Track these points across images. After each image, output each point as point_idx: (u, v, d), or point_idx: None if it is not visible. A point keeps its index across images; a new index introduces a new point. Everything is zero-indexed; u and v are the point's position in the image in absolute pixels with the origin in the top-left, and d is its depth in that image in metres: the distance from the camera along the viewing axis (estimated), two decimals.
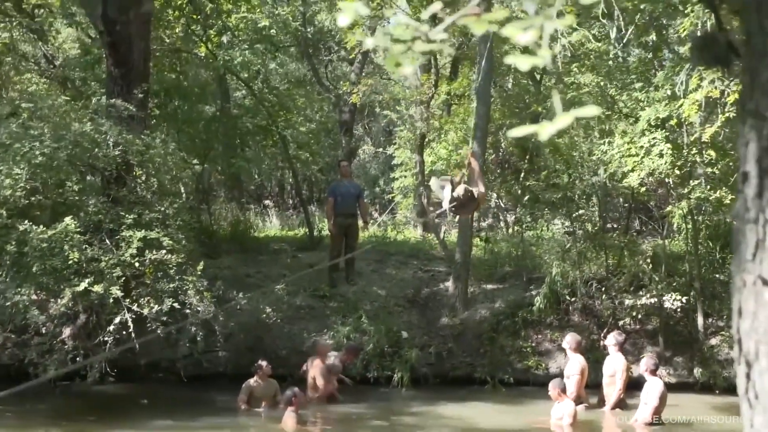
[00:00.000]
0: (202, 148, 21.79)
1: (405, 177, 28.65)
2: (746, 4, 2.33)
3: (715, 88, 15.18)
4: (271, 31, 22.55)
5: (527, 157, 22.05)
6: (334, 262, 18.79)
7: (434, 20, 2.96)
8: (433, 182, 14.89)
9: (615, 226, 22.48)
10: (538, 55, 2.35)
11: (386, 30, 2.66)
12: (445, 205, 14.28)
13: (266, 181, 37.71)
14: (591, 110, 2.34)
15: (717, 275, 18.35)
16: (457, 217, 17.56)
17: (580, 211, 19.65)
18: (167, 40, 22.44)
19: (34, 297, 15.33)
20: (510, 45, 21.97)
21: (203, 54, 22.40)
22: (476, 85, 19.57)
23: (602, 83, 18.43)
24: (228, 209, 26.33)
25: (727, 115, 15.97)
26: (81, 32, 24.42)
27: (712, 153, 16.22)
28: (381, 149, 37.74)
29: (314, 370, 15.85)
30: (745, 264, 2.16)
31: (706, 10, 14.63)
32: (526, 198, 21.28)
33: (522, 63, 2.39)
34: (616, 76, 18.83)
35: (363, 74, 29.86)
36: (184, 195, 20.78)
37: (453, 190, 14.03)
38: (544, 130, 2.18)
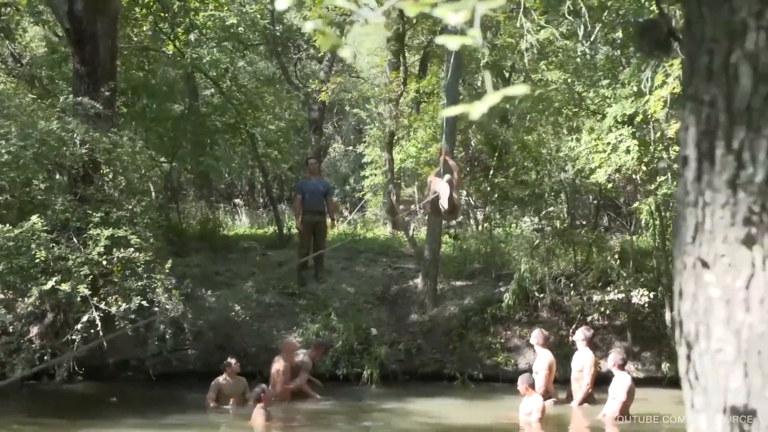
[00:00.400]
0: (171, 146, 21.74)
1: (375, 175, 28.67)
2: None
3: (680, 84, 15.26)
4: (239, 28, 22.51)
5: (496, 154, 22.09)
6: (304, 260, 18.80)
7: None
8: (437, 181, 14.85)
9: (583, 222, 22.57)
10: (469, 35, 2.36)
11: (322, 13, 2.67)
12: (444, 203, 14.33)
13: (236, 180, 37.66)
14: (520, 89, 2.36)
15: None
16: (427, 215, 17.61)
17: (549, 208, 19.73)
18: (135, 39, 22.37)
19: (0, 296, 15.30)
20: (487, 46, 22.07)
21: (171, 52, 22.33)
22: (445, 82, 19.61)
23: (570, 80, 18.50)
24: (197, 208, 26.28)
25: None
26: (48, 30, 24.28)
27: (678, 148, 16.33)
28: (351, 147, 37.74)
29: (275, 366, 15.84)
30: (685, 246, 2.19)
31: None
32: (495, 195, 21.34)
33: (451, 42, 2.40)
34: (583, 73, 18.92)
35: (332, 72, 29.83)
36: (153, 193, 20.72)
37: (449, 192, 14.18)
38: (475, 109, 2.19)
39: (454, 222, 18.05)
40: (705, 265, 2.13)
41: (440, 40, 2.56)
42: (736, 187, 2.08)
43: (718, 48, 2.09)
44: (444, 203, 14.31)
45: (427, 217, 19.52)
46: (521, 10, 16.69)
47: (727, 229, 2.10)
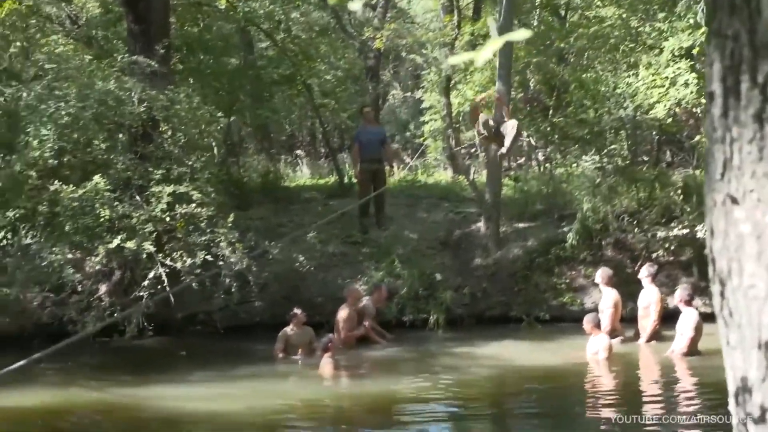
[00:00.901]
0: (228, 100, 21.79)
1: (435, 120, 28.62)
2: None
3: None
4: None
5: (554, 93, 21.92)
6: (364, 201, 18.83)
7: None
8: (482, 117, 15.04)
9: (645, 159, 22.33)
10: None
11: None
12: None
13: (297, 131, 37.75)
14: (521, 34, 2.33)
15: None
16: (485, 153, 17.59)
17: (610, 146, 19.56)
18: None
19: (69, 256, 15.53)
20: None
21: (224, 6, 22.33)
22: (499, 23, 19.45)
23: (625, 15, 18.25)
24: (258, 160, 26.40)
25: None
26: None
27: None
28: (409, 93, 37.64)
29: (340, 314, 15.98)
30: (715, 183, 2.18)
31: None
32: (555, 135, 21.21)
33: (478, 59, 2.38)
34: (638, 8, 18.65)
35: (386, 19, 29.68)
36: (214, 148, 20.82)
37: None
38: (480, 56, 2.17)
39: (504, 151, 17.88)
40: (734, 201, 2.11)
41: (453, 60, 2.54)
42: (763, 122, 2.06)
43: None
44: (507, 144, 14.43)
45: (486, 160, 19.46)
46: None
47: (755, 164, 2.08)
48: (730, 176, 2.11)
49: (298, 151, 34.87)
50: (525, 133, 23.53)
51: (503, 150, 16.18)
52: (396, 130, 34.67)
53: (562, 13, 23.51)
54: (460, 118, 26.51)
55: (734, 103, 2.08)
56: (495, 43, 2.15)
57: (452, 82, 24.46)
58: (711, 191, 2.19)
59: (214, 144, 21.43)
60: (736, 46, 2.07)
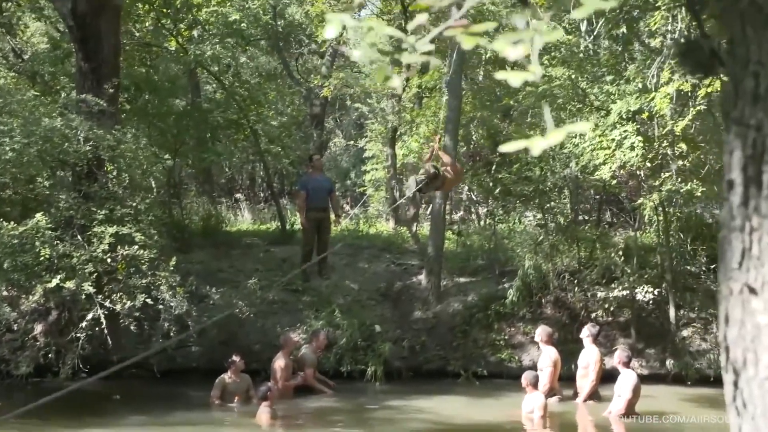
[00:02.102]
0: (173, 142, 21.67)
1: (376, 170, 28.68)
2: (727, 10, 2.33)
3: (686, 81, 15.24)
4: (242, 24, 22.43)
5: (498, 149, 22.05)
6: (307, 257, 18.84)
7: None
8: (411, 180, 15.06)
9: (586, 218, 22.54)
10: (529, 70, 2.34)
11: (372, 41, 2.66)
12: (410, 191, 14.45)
13: (237, 175, 37.65)
14: (582, 126, 2.33)
15: (688, 267, 18.48)
16: (429, 207, 17.61)
17: (552, 204, 19.71)
18: (137, 34, 22.33)
19: (5, 293, 15.28)
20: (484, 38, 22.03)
21: (174, 48, 22.28)
22: (447, 78, 19.59)
23: (573, 76, 18.42)
24: (199, 203, 26.26)
25: (698, 108, 16.07)
26: (50, 26, 24.22)
27: (683, 146, 16.29)
28: (352, 142, 37.71)
29: (276, 362, 15.87)
30: (732, 272, 2.16)
31: (677, 7, 14.71)
32: (497, 190, 21.33)
33: (514, 79, 2.38)
34: (587, 69, 18.83)
35: (334, 67, 29.79)
36: (154, 190, 20.66)
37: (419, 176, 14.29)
38: (536, 145, 2.17)
39: (455, 216, 17.97)
40: (752, 291, 2.09)
41: (500, 75, 2.54)
42: None
43: (764, 71, 2.06)
44: (410, 190, 14.51)
45: (429, 213, 19.53)
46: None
47: None
48: (749, 266, 2.10)
49: (238, 195, 34.74)
50: (465, 187, 23.69)
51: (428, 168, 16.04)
52: (337, 178, 34.67)
53: (509, 69, 23.65)
54: (404, 170, 26.59)
55: (755, 192, 2.07)
56: (555, 135, 2.14)
57: (398, 133, 24.52)
58: (727, 279, 2.18)
59: (154, 186, 21.30)
60: (758, 135, 2.07)
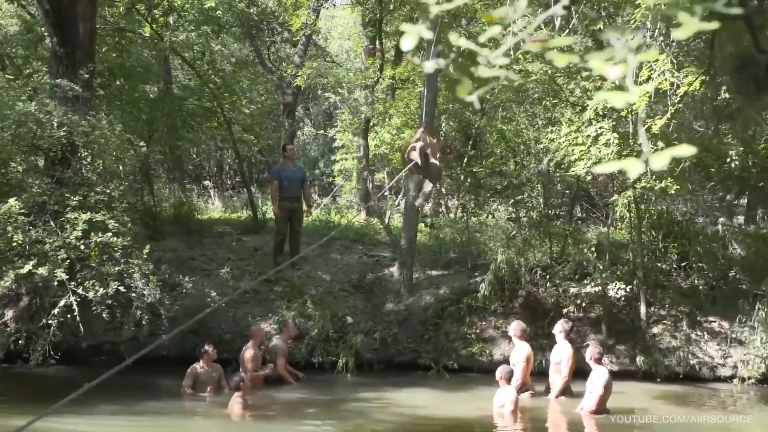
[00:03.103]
0: (146, 129, 21.52)
1: (346, 159, 28.65)
2: None
3: (665, 80, 15.26)
4: (217, 12, 22.29)
5: (470, 143, 22.08)
6: (281, 251, 18.90)
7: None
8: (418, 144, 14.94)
9: (558, 213, 22.57)
10: (631, 92, 2.32)
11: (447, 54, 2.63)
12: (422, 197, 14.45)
13: (205, 162, 37.52)
14: (686, 150, 2.31)
15: (659, 264, 18.54)
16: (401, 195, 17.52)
17: (525, 198, 19.72)
18: (110, 19, 22.14)
19: None
20: (464, 33, 22.00)
21: (148, 34, 22.11)
22: (424, 72, 19.55)
23: (549, 71, 18.43)
24: (170, 190, 26.11)
25: (677, 106, 16.09)
26: (21, 9, 23.95)
27: (661, 143, 16.30)
28: (322, 131, 37.68)
29: (245, 353, 15.83)
30: None
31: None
32: (467, 183, 21.34)
33: (617, 101, 2.35)
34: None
35: (307, 56, 29.70)
36: (127, 176, 20.51)
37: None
38: (633, 168, 2.15)
39: (426, 208, 17.91)
40: None
41: (602, 96, 2.51)
42: None
43: None
44: (416, 157, 14.41)
45: (403, 205, 19.50)
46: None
47: None
48: None
49: (206, 182, 34.61)
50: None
51: (429, 188, 16.11)
52: (306, 167, 34.64)
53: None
54: (375, 160, 26.59)
55: None
56: (659, 161, 2.11)
57: (371, 124, 24.48)
58: None
59: (122, 172, 21.15)
60: None
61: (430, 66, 2.70)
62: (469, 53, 2.64)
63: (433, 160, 15.02)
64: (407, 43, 2.60)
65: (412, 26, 2.58)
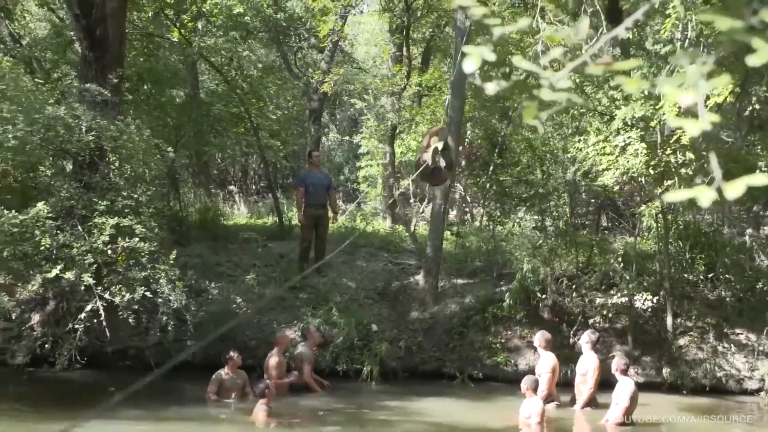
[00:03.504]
0: (173, 134, 21.56)
1: (371, 166, 28.63)
2: None
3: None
4: (246, 17, 22.32)
5: (496, 150, 22.02)
6: (304, 254, 18.83)
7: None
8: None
9: (584, 222, 22.49)
10: (707, 119, 2.28)
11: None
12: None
13: (230, 167, 37.58)
14: (761, 179, 2.27)
15: (686, 275, 18.45)
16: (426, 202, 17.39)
17: (551, 207, 19.66)
18: (139, 24, 22.20)
19: (1, 281, 15.19)
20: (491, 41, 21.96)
21: (176, 39, 22.15)
22: (451, 78, 19.51)
23: (578, 80, 18.34)
24: (196, 195, 26.16)
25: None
26: (50, 13, 24.04)
27: (691, 155, 16.20)
28: (347, 138, 37.69)
29: (270, 360, 15.83)
30: None
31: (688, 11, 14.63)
32: (492, 191, 21.30)
33: (692, 128, 2.32)
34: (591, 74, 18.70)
35: (333, 62, 29.71)
36: (154, 181, 20.55)
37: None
38: (705, 196, 2.12)
39: (451, 215, 17.85)
40: None
41: (675, 123, 2.48)
42: None
43: None
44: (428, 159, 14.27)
45: (430, 213, 19.45)
46: (537, 9, 16.57)
47: None
48: None
49: (231, 187, 34.68)
50: (459, 186, 23.63)
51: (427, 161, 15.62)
52: (330, 172, 34.65)
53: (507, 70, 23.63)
54: (401, 167, 26.57)
55: None
56: (733, 190, 2.08)
57: (397, 131, 24.47)
58: None
59: (148, 178, 21.18)
60: None
61: (491, 88, 2.66)
62: (528, 74, 2.61)
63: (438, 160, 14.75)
64: (469, 66, 2.57)
65: (474, 48, 2.55)
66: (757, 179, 2.24)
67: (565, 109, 19.10)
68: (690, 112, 16.04)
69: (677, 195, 2.34)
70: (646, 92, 16.36)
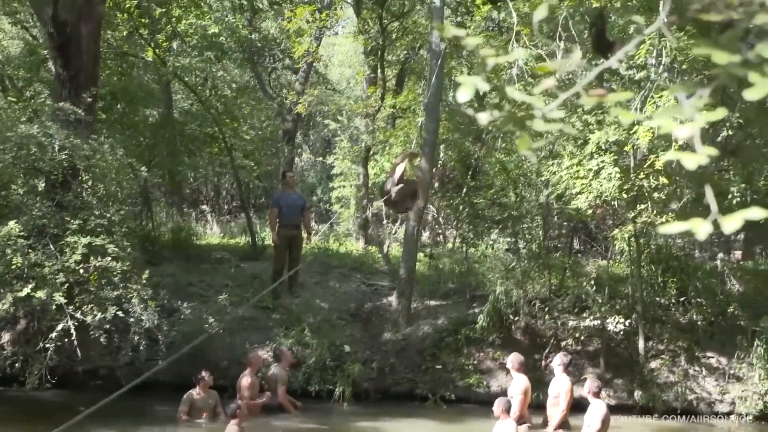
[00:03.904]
0: (147, 153, 21.52)
1: (344, 187, 28.65)
2: None
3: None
4: (221, 38, 22.30)
5: (470, 173, 22.07)
6: (278, 275, 18.71)
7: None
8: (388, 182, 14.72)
9: (556, 245, 22.58)
10: (706, 152, 2.30)
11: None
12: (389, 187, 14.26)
13: (202, 186, 37.53)
14: (757, 213, 2.29)
15: (658, 299, 18.53)
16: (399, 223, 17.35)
17: (525, 230, 19.72)
18: (113, 43, 22.15)
19: None
20: (465, 65, 22.05)
21: (151, 59, 22.12)
22: (425, 100, 19.56)
23: (531, 104, 18.38)
24: (169, 215, 26.09)
25: (680, 143, 16.10)
26: (24, 31, 23.97)
27: (665, 180, 16.29)
28: (320, 159, 37.73)
29: (242, 381, 15.78)
30: None
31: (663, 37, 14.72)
32: (465, 213, 21.33)
33: (688, 162, 2.34)
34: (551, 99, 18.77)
35: (308, 84, 29.73)
36: (127, 201, 20.48)
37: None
38: (701, 229, 2.14)
39: (424, 237, 17.88)
40: None
41: (670, 156, 2.50)
42: None
43: None
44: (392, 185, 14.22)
45: (404, 235, 19.47)
46: (513, 33, 16.63)
47: None
48: None
49: (204, 207, 34.62)
50: (432, 208, 23.66)
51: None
52: (303, 193, 34.67)
53: (480, 93, 23.67)
54: (374, 189, 26.58)
55: None
56: (731, 223, 2.10)
57: (370, 152, 24.50)
58: None
59: (121, 197, 21.10)
60: None
61: (484, 118, 2.68)
62: (519, 104, 2.64)
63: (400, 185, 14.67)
64: (463, 96, 2.58)
65: (468, 78, 2.57)
66: (753, 213, 2.26)
67: (538, 133, 19.18)
68: (666, 138, 16.18)
69: (673, 227, 2.36)
70: (619, 117, 16.46)
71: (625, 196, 16.62)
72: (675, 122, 2.38)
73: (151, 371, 7.83)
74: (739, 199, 17.26)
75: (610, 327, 18.01)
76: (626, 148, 16.15)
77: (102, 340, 14.84)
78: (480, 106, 22.06)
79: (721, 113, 2.35)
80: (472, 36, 2.85)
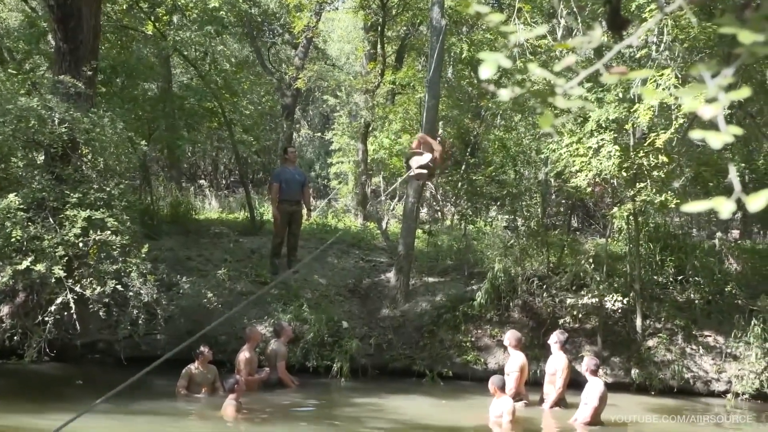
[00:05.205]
0: (146, 127, 21.49)
1: (342, 162, 28.62)
2: None
3: (671, 95, 15.22)
4: (221, 12, 22.19)
5: (469, 150, 22.07)
6: (277, 249, 18.75)
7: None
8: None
9: (555, 223, 22.56)
10: (726, 132, 2.30)
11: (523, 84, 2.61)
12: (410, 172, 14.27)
13: (200, 161, 37.50)
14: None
15: (656, 277, 18.51)
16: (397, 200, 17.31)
17: (523, 207, 19.70)
18: (114, 16, 22.07)
19: None
20: (465, 41, 21.99)
21: (151, 32, 22.04)
22: (427, 77, 19.52)
23: (552, 81, 18.35)
24: (167, 189, 26.06)
25: (681, 121, 16.11)
26: (23, 3, 23.88)
27: (664, 158, 16.27)
28: (319, 134, 37.68)
29: (241, 355, 15.82)
30: None
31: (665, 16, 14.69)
32: (464, 189, 21.31)
33: (714, 141, 2.34)
34: (565, 75, 18.76)
35: (307, 59, 29.66)
36: (126, 174, 20.45)
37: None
38: (724, 207, 2.14)
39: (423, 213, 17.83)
40: None
41: (696, 134, 2.48)
42: None
43: None
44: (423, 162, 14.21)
45: (402, 211, 19.46)
46: (515, 10, 16.60)
47: None
48: None
49: (202, 181, 34.58)
50: (430, 185, 23.63)
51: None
52: (301, 168, 34.65)
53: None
54: (373, 165, 26.56)
55: None
56: (757, 201, 2.10)
57: (370, 128, 24.46)
58: None
59: (118, 170, 21.07)
60: None
61: (505, 94, 2.68)
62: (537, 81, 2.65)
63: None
64: (485, 72, 2.58)
65: (490, 54, 2.56)
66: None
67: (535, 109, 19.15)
68: (667, 117, 16.18)
69: (696, 206, 2.36)
70: (620, 95, 16.48)
71: (624, 174, 16.60)
72: (700, 101, 2.38)
73: (180, 346, 7.87)
74: (738, 179, 17.24)
75: (608, 305, 17.99)
76: (626, 126, 16.13)
77: (101, 313, 14.88)
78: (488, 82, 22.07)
79: (745, 92, 2.35)
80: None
